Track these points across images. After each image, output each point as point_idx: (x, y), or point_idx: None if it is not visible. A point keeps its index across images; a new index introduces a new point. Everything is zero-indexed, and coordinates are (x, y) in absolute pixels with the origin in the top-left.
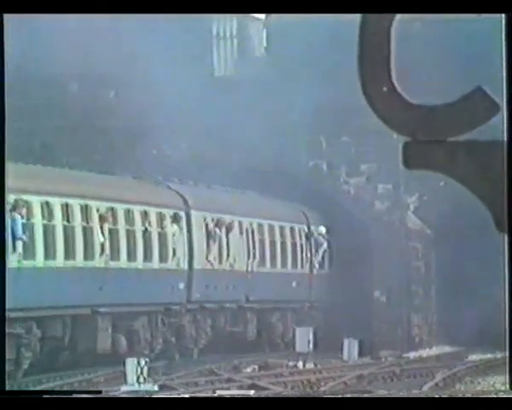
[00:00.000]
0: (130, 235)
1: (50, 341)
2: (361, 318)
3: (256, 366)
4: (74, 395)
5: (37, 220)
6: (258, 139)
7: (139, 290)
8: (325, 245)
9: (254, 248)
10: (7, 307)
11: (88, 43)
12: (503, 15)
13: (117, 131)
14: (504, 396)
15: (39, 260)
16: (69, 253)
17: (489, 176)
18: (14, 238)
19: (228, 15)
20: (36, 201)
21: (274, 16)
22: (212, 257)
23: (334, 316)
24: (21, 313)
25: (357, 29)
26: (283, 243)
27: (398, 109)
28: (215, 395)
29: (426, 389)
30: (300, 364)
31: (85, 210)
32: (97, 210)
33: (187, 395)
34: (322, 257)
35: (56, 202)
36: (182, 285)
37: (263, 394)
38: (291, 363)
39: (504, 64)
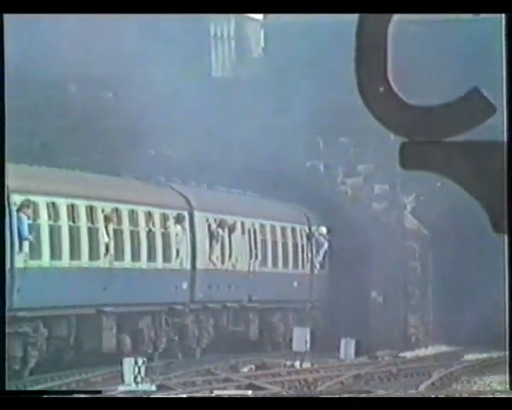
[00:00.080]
0: (135, 235)
1: (56, 340)
2: (358, 317)
3: (253, 366)
4: (74, 395)
5: (44, 221)
6: (255, 139)
7: (143, 290)
8: (326, 245)
9: (256, 248)
10: (14, 306)
11: (88, 44)
12: (503, 15)
13: (116, 131)
14: (503, 396)
15: (45, 260)
16: (74, 253)
17: (485, 177)
18: (21, 239)
19: (226, 16)
20: (42, 201)
21: (272, 17)
22: (215, 257)
23: (331, 316)
24: (28, 312)
25: (354, 29)
26: (285, 244)
27: (395, 110)
28: (213, 394)
29: (422, 389)
30: (297, 363)
31: (91, 211)
32: (102, 211)
33: (185, 395)
34: (323, 257)
35: (62, 203)
36: (185, 285)
37: (260, 393)
38: (288, 362)
39: (504, 64)
